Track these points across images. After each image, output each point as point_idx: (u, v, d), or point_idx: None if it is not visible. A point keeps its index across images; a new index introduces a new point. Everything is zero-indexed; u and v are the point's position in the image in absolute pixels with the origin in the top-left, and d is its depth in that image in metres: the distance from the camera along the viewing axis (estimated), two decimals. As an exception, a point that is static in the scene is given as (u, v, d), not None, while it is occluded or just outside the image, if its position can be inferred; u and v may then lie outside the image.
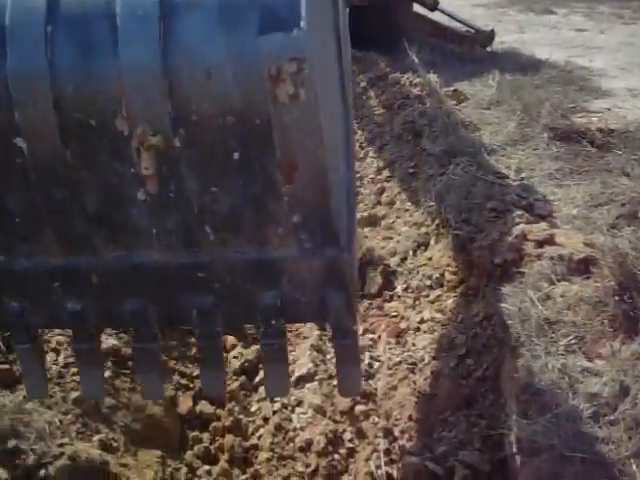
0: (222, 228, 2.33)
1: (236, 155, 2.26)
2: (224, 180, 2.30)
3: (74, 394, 3.26)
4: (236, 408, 3.91)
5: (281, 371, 2.48)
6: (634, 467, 2.61)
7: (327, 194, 2.29)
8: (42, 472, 2.78)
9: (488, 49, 9.93)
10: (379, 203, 6.08)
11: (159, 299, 2.42)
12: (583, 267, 3.77)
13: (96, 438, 3.15)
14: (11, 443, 2.85)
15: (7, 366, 3.26)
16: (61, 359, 3.42)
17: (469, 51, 9.61)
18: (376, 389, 4.09)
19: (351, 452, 3.51)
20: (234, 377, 4.09)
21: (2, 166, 2.28)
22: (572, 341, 3.27)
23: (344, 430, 3.74)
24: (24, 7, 2.22)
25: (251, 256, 2.36)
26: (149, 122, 2.23)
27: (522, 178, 5.20)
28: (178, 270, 2.38)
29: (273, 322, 2.39)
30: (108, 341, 3.60)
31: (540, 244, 4.00)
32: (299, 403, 3.89)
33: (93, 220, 2.35)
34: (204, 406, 3.85)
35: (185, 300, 2.40)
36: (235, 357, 4.18)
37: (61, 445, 2.93)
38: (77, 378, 3.33)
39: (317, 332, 4.36)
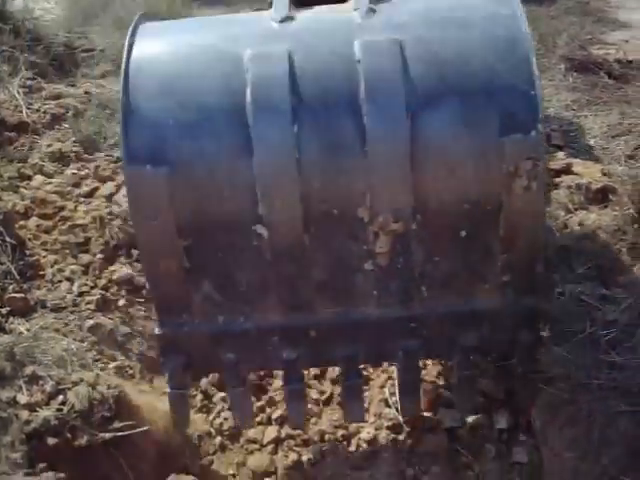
0: (437, 287, 2.62)
1: (463, 233, 2.54)
2: (448, 252, 2.58)
3: (89, 322, 3.28)
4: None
5: (470, 395, 2.89)
6: (651, 383, 2.61)
7: (537, 260, 2.60)
8: (61, 397, 2.79)
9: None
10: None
11: (370, 345, 2.71)
12: (601, 196, 3.73)
13: (112, 365, 3.18)
14: (29, 369, 2.87)
15: (22, 295, 3.27)
16: (75, 288, 3.43)
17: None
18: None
19: (365, 380, 3.52)
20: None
21: (237, 246, 2.55)
22: (590, 269, 3.24)
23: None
24: (268, 107, 2.43)
25: (459, 308, 2.65)
26: (392, 212, 2.48)
27: (539, 109, 5.10)
28: (392, 322, 2.67)
29: (470, 357, 2.71)
30: (122, 270, 3.59)
31: (557, 173, 3.96)
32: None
33: (318, 287, 2.62)
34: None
35: (394, 344, 2.70)
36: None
37: (79, 372, 2.95)
38: (92, 306, 3.35)
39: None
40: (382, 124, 2.41)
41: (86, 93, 5.50)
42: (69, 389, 2.83)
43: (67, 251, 3.66)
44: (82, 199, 4.09)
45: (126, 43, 2.60)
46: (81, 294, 3.42)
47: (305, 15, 2.72)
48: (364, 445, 3.19)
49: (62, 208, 3.96)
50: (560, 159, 4.11)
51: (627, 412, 2.62)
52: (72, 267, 3.55)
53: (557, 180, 3.90)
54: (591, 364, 2.80)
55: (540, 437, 3.10)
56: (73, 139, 4.80)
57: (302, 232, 2.51)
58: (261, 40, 2.59)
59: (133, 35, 2.64)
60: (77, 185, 4.24)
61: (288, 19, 2.65)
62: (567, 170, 3.98)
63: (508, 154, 2.40)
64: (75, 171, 4.38)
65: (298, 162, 2.43)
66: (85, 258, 3.62)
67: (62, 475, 2.51)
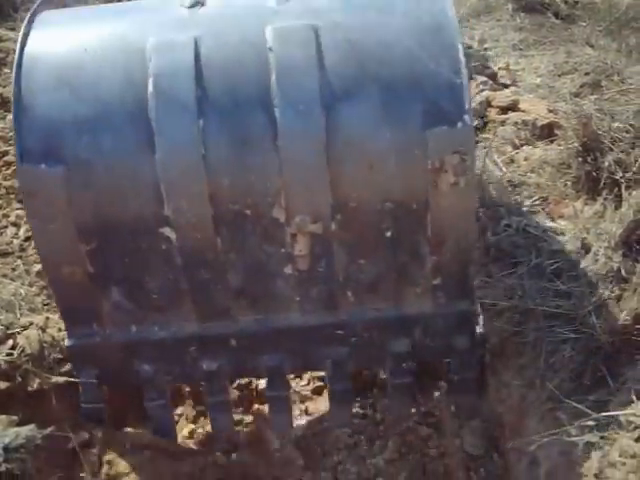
0: (363, 292, 2.49)
1: (388, 233, 2.39)
2: (373, 254, 2.43)
3: (37, 267, 3.21)
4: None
5: (407, 403, 2.78)
6: (594, 319, 2.67)
7: (468, 261, 2.49)
8: (10, 342, 2.76)
9: None
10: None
11: (295, 353, 2.59)
12: (547, 132, 3.78)
13: (62, 309, 3.14)
14: (-24, 314, 2.83)
15: (-33, 241, 3.22)
16: (22, 233, 3.37)
17: None
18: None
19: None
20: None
21: (144, 250, 2.37)
22: (536, 202, 3.30)
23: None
24: (172, 100, 2.24)
25: (388, 313, 2.54)
26: (309, 212, 2.31)
27: (486, 48, 5.13)
28: (317, 329, 2.54)
29: (404, 365, 2.62)
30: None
31: (504, 110, 4.00)
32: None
33: (235, 293, 2.46)
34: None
35: (321, 352, 2.59)
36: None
37: (29, 315, 2.92)
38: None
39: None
40: (294, 118, 2.24)
41: (26, 37, 5.33)
42: (19, 333, 2.79)
43: (12, 196, 3.58)
44: (25, 144, 3.99)
45: (21, 32, 2.41)
46: (27, 239, 3.35)
47: (216, 1, 2.53)
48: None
49: (5, 153, 3.85)
50: (507, 96, 4.13)
51: (572, 339, 2.69)
52: (18, 212, 3.47)
53: (504, 117, 3.93)
54: (537, 293, 2.87)
55: (488, 370, 3.17)
56: (14, 84, 4.67)
57: (213, 234, 2.36)
58: (167, 28, 2.39)
59: (29, 24, 2.44)
60: (20, 130, 4.14)
61: (198, 4, 2.46)
62: (514, 107, 4.02)
63: (432, 148, 2.25)
64: (17, 116, 4.26)
65: (205, 159, 2.26)
66: (31, 203, 3.55)
67: (15, 418, 2.49)
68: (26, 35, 2.41)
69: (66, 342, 2.61)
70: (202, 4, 2.47)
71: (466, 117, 2.24)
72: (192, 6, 2.45)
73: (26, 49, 2.36)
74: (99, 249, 2.40)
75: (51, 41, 2.44)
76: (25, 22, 2.46)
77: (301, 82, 2.25)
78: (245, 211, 2.34)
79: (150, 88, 2.25)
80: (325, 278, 2.45)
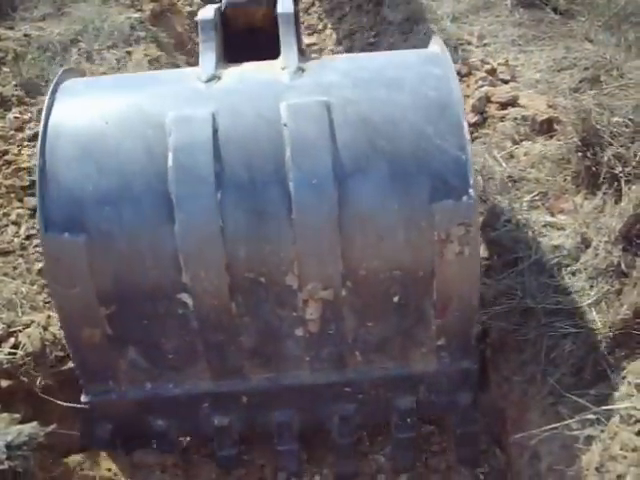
0: (371, 352, 2.60)
1: (395, 299, 2.49)
2: (381, 317, 2.54)
3: (38, 265, 3.23)
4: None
5: (410, 455, 2.88)
6: (594, 314, 2.68)
7: (471, 322, 2.60)
8: (12, 340, 2.77)
9: None
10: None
11: (304, 410, 2.72)
12: (546, 127, 3.78)
13: (64, 308, 3.14)
14: (-22, 313, 2.84)
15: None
16: (22, 231, 3.38)
17: None
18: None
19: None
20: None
21: (162, 314, 2.46)
22: (535, 197, 3.31)
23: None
24: (191, 174, 2.33)
25: (394, 372, 2.65)
26: (321, 280, 2.42)
27: (485, 44, 5.12)
28: (326, 387, 2.66)
29: (408, 420, 2.73)
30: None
31: (504, 106, 3.99)
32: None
33: (248, 353, 2.57)
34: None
35: (329, 409, 2.73)
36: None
37: (30, 314, 2.93)
38: (40, 249, 3.30)
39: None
40: (308, 192, 2.34)
41: (26, 36, 5.32)
42: (20, 331, 2.81)
43: (12, 195, 3.59)
44: (26, 143, 3.99)
45: (45, 103, 2.49)
46: (29, 237, 3.37)
47: (232, 73, 2.61)
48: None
49: (5, 152, 3.86)
50: (506, 92, 4.13)
51: (572, 333, 2.70)
52: (18, 211, 3.48)
53: (503, 112, 3.93)
54: (537, 288, 2.87)
55: (490, 366, 3.18)
56: (14, 83, 4.66)
57: (229, 300, 2.45)
58: (185, 101, 2.48)
59: (53, 94, 2.53)
60: (20, 129, 4.13)
61: (214, 78, 2.56)
62: (513, 103, 4.01)
63: (438, 220, 2.36)
64: (17, 115, 4.26)
65: (222, 230, 2.35)
66: (31, 201, 3.54)
67: (17, 416, 2.49)
68: (50, 106, 2.48)
69: (82, 398, 2.68)
70: (218, 78, 2.56)
71: (471, 191, 2.34)
72: (209, 80, 2.55)
73: (50, 121, 2.44)
74: (118, 313, 2.47)
75: (73, 113, 2.52)
76: (49, 91, 2.54)
77: (315, 158, 2.35)
78: (260, 279, 2.43)
79: (170, 162, 2.34)
80: (335, 340, 2.56)
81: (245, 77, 2.61)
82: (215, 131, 2.37)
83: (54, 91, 2.55)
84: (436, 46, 2.72)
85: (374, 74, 2.55)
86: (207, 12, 2.79)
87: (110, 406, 2.65)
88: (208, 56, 2.64)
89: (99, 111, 2.50)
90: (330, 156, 2.34)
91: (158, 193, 2.35)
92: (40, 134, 2.42)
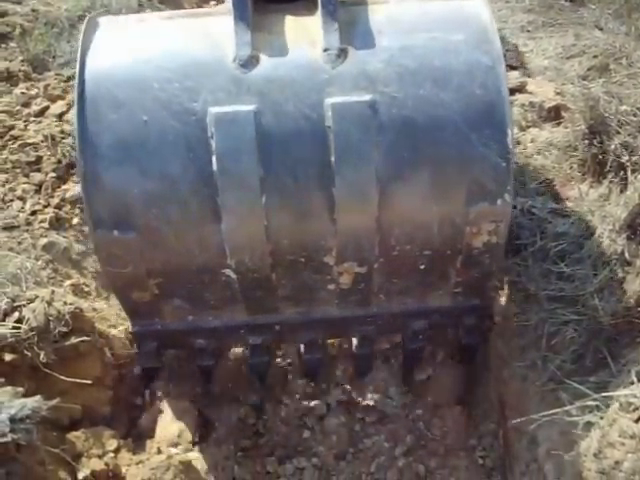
0: (393, 295, 2.79)
1: (422, 267, 2.65)
2: (405, 277, 2.73)
3: (43, 240, 3.24)
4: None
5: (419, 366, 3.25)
6: (597, 301, 2.68)
7: (489, 279, 2.80)
8: (16, 314, 2.77)
9: None
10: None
11: (329, 332, 3.01)
12: (554, 114, 3.78)
13: (67, 283, 3.16)
14: (-17, 285, 2.85)
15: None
16: (28, 207, 3.38)
17: None
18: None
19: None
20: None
21: (206, 282, 2.64)
22: (541, 184, 3.30)
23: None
24: (236, 180, 2.37)
25: (412, 306, 2.85)
26: (356, 260, 2.58)
27: (494, 29, 5.09)
28: (351, 319, 2.88)
29: (420, 337, 2.98)
30: (75, 189, 3.54)
31: (511, 92, 3.95)
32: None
33: (282, 299, 2.77)
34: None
35: (352, 331, 3.00)
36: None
37: (34, 289, 2.93)
38: (45, 225, 3.31)
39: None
40: (351, 198, 2.41)
41: (33, 11, 5.31)
42: (24, 306, 2.80)
43: (18, 170, 3.59)
44: (32, 118, 3.99)
45: (76, 99, 2.41)
46: (34, 213, 3.37)
47: (270, 50, 2.49)
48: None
49: (12, 127, 3.87)
50: (514, 78, 4.12)
51: (574, 320, 2.71)
52: (24, 186, 3.49)
53: (511, 98, 3.91)
54: (540, 275, 2.88)
55: (490, 350, 3.19)
56: (21, 58, 4.67)
57: (270, 273, 2.60)
58: (224, 95, 2.41)
59: (82, 84, 2.42)
60: (26, 105, 4.14)
61: (252, 61, 2.45)
62: (521, 89, 4.01)
63: (472, 219, 2.48)
64: (24, 90, 4.26)
65: (267, 228, 2.45)
66: (37, 177, 3.56)
67: (20, 389, 2.50)
68: (83, 104, 2.41)
69: (130, 328, 2.92)
70: (257, 60, 2.46)
71: (506, 196, 2.44)
72: (246, 64, 2.45)
73: (86, 119, 2.39)
74: (165, 282, 2.64)
75: (110, 107, 2.42)
76: (77, 83, 2.43)
77: (359, 165, 2.38)
78: (300, 259, 2.58)
79: (214, 167, 2.36)
80: (362, 291, 2.73)
81: (283, 60, 2.49)
82: (258, 134, 2.35)
83: (82, 82, 2.43)
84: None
85: (420, 63, 2.44)
86: None
87: (155, 332, 2.86)
88: (242, 29, 2.49)
89: (136, 105, 2.42)
90: (374, 164, 2.38)
91: (203, 195, 2.40)
92: (77, 134, 2.39)
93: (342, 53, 2.45)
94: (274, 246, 2.51)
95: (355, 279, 2.65)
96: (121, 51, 2.54)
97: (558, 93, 3.96)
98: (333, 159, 2.36)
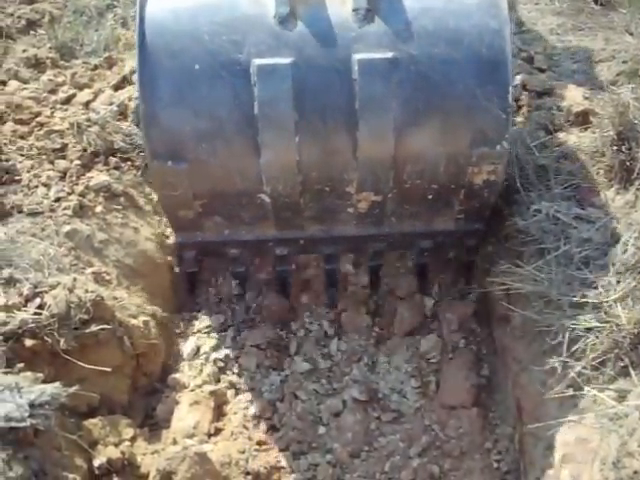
0: (404, 218, 3.27)
1: (430, 196, 3.13)
2: (415, 204, 3.20)
3: (66, 228, 3.24)
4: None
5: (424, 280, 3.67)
6: (619, 309, 2.66)
7: (489, 207, 3.23)
8: (38, 300, 2.79)
9: None
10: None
11: (347, 246, 3.47)
12: (581, 119, 3.74)
13: (89, 271, 3.16)
14: (6, 272, 2.85)
15: (-2, 199, 3.25)
16: (52, 193, 3.38)
17: None
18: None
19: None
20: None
21: (244, 203, 3.12)
22: (567, 189, 3.28)
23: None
24: (274, 122, 2.80)
25: (420, 229, 3.33)
26: (373, 190, 3.06)
27: (523, 31, 5.06)
28: (366, 236, 3.37)
29: (425, 254, 3.50)
30: (99, 177, 3.56)
31: (539, 95, 3.95)
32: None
33: (308, 218, 3.23)
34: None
35: (366, 246, 3.47)
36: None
37: (56, 276, 2.95)
38: (69, 212, 3.33)
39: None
40: (371, 139, 2.84)
41: (62, -1, 5.35)
42: (46, 292, 2.82)
43: (44, 157, 3.59)
44: (59, 105, 4.00)
45: (137, 48, 2.80)
46: (58, 200, 3.37)
47: (305, 10, 2.86)
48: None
49: (38, 114, 3.88)
50: (542, 81, 4.09)
51: (596, 327, 2.69)
52: (49, 173, 3.49)
53: (539, 102, 3.90)
54: (563, 281, 2.86)
55: (509, 354, 3.18)
56: (49, 45, 4.70)
57: (299, 198, 3.07)
58: (265, 48, 2.80)
59: (142, 36, 2.81)
60: (53, 92, 4.16)
61: (290, 18, 2.82)
62: (549, 92, 3.98)
63: (474, 161, 2.94)
64: (51, 77, 4.28)
65: (299, 162, 2.90)
66: (62, 164, 3.56)
67: (40, 375, 2.52)
68: (143, 52, 2.80)
69: (172, 239, 3.55)
70: (294, 17, 2.83)
71: (504, 142, 2.90)
72: (284, 21, 2.83)
73: (146, 67, 2.81)
74: (208, 203, 3.12)
75: (166, 57, 2.83)
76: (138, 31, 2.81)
77: (379, 113, 2.81)
78: (325, 188, 3.06)
79: (256, 110, 2.78)
80: (377, 215, 3.22)
81: (317, 18, 2.86)
82: (294, 84, 2.76)
83: (142, 32, 2.81)
84: None
85: (436, 24, 2.84)
86: None
87: (196, 244, 3.36)
88: None
89: (189, 56, 2.82)
90: (392, 112, 2.80)
91: (246, 133, 2.85)
92: (138, 81, 2.81)
93: (369, 13, 2.83)
94: (304, 177, 2.97)
95: (371, 205, 3.12)
96: (175, 5, 2.91)
97: (586, 98, 3.92)
98: (357, 107, 2.79)
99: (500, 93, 2.80)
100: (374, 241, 3.40)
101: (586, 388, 2.57)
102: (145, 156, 3.25)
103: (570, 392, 2.63)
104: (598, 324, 2.69)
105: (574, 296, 2.79)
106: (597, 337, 2.66)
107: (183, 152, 2.88)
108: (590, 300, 2.75)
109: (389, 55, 2.77)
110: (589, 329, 2.70)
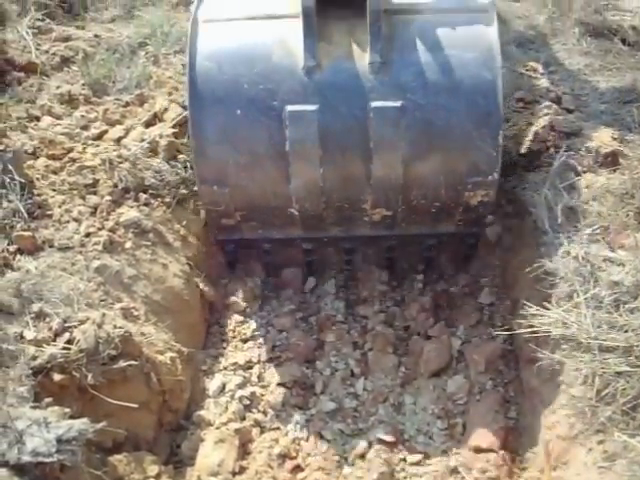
0: (411, 223, 3.79)
1: (433, 210, 3.65)
2: (421, 216, 3.72)
3: (96, 263, 3.28)
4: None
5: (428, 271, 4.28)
6: (651, 353, 2.64)
7: (485, 216, 3.78)
8: (67, 335, 2.81)
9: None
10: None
11: (364, 243, 4.05)
12: (610, 160, 3.72)
13: (118, 306, 3.18)
14: (36, 306, 2.89)
15: (30, 233, 3.28)
16: (82, 228, 3.42)
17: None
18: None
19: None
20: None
21: (276, 214, 3.69)
22: (596, 231, 3.26)
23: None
24: (303, 158, 3.37)
25: (426, 231, 3.88)
26: (386, 207, 3.62)
27: (551, 71, 5.07)
28: (379, 236, 3.92)
29: (431, 249, 4.07)
30: (130, 213, 3.59)
31: (567, 136, 3.94)
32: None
33: (330, 223, 3.78)
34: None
35: (380, 243, 4.04)
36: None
37: (86, 311, 2.97)
38: (98, 247, 3.36)
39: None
40: (384, 170, 3.41)
41: (96, 37, 5.45)
42: (75, 327, 2.85)
43: (75, 192, 3.64)
44: (90, 141, 4.06)
45: (188, 95, 3.41)
46: (88, 235, 3.41)
47: (329, 63, 3.36)
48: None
49: (70, 150, 3.94)
50: (570, 122, 4.08)
51: (626, 372, 2.66)
52: (80, 208, 3.54)
53: (567, 142, 3.89)
54: (593, 324, 2.83)
55: (537, 397, 3.14)
56: (82, 82, 4.77)
57: (322, 212, 3.64)
58: (295, 96, 3.33)
59: (193, 85, 3.37)
60: (86, 128, 4.22)
61: (316, 70, 3.34)
62: (577, 133, 3.97)
63: (470, 187, 3.49)
64: (84, 114, 4.35)
65: (322, 187, 3.48)
66: (93, 200, 3.61)
67: (68, 410, 2.53)
68: (194, 95, 3.39)
69: (215, 237, 4.02)
70: (319, 68, 3.34)
71: (495, 174, 3.43)
72: (311, 72, 3.34)
73: (195, 110, 3.38)
74: (247, 214, 3.71)
75: (213, 103, 3.38)
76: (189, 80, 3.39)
77: (390, 150, 3.36)
78: (344, 205, 3.63)
79: (287, 148, 3.34)
80: (388, 223, 3.75)
81: (340, 69, 3.37)
82: (319, 126, 3.30)
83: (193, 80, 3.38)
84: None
85: (439, 76, 3.33)
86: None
87: (235, 240, 3.97)
88: (309, 43, 3.33)
89: (231, 101, 3.36)
90: (401, 150, 3.35)
91: (279, 166, 3.41)
92: (190, 121, 3.41)
93: (382, 66, 3.33)
94: (327, 197, 3.54)
95: (384, 217, 3.68)
96: (219, 56, 3.42)
97: (615, 138, 3.90)
98: (372, 146, 3.34)
99: (492, 134, 3.33)
100: (386, 240, 3.98)
101: (616, 433, 2.53)
102: (195, 181, 3.75)
103: (600, 437, 2.59)
104: (629, 368, 2.66)
105: (604, 340, 2.76)
106: (627, 381, 2.63)
107: (226, 179, 3.48)
108: (620, 344, 2.72)
109: (398, 104, 3.29)
110: (619, 373, 2.67)
